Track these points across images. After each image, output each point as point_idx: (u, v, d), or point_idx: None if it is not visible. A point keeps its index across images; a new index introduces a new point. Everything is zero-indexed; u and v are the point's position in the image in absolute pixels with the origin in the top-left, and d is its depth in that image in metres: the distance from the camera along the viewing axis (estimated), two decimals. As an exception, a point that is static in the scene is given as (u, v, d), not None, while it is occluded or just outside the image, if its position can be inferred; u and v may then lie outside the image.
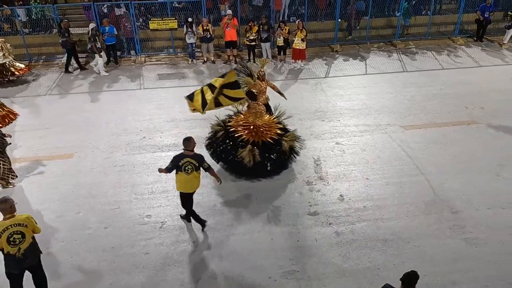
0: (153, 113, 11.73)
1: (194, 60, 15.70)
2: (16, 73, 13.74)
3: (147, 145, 10.16)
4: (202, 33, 14.91)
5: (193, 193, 7.26)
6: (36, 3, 16.49)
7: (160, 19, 15.76)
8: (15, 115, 11.67)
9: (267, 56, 15.61)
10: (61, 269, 6.78)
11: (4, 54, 13.52)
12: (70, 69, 14.87)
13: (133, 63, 15.69)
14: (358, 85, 13.47)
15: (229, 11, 15.24)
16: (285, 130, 9.23)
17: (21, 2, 16.78)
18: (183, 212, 7.68)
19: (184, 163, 6.89)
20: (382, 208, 8.04)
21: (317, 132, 10.66)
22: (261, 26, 15.08)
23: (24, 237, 5.56)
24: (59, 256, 7.03)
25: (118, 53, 15.88)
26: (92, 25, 14.25)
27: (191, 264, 6.86)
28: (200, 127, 10.88)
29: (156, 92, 13.31)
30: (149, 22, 15.73)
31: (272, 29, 15.63)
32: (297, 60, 15.18)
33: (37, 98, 12.84)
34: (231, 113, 9.47)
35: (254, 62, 15.43)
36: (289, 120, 11.08)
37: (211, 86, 7.47)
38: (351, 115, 11.49)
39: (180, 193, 7.26)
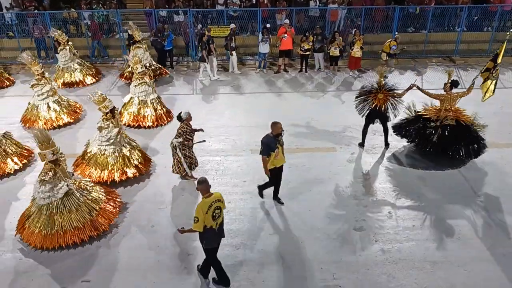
0: (204, 118, 11.90)
1: (264, 69, 15.74)
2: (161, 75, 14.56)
3: (196, 149, 10.29)
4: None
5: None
6: (99, 8, 17.36)
7: (216, 26, 16.11)
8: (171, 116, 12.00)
9: (320, 66, 15.55)
10: (104, 264, 7.04)
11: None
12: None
13: (186, 69, 16.11)
14: (414, 100, 13.05)
15: (287, 20, 15.32)
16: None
17: (88, 6, 17.71)
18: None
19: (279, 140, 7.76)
20: (433, 229, 7.73)
21: (369, 146, 10.44)
22: (315, 36, 15.06)
23: (221, 211, 6.04)
24: (106, 251, 7.31)
25: (175, 58, 16.38)
26: (232, 25, 15.06)
27: (233, 268, 6.87)
28: (247, 133, 10.98)
29: (208, 97, 13.57)
30: (205, 29, 16.09)
31: (326, 40, 15.57)
32: (352, 69, 15.04)
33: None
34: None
35: (306, 72, 15.42)
36: (340, 132, 11.04)
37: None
38: (404, 131, 11.16)
39: (273, 169, 7.88)
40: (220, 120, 11.84)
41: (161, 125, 11.53)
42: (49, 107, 11.42)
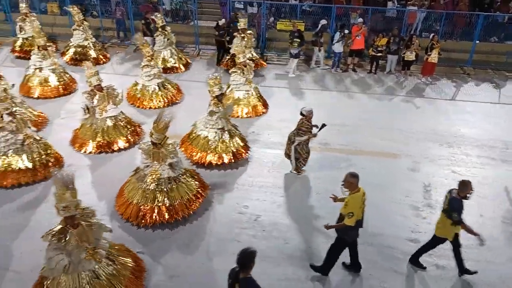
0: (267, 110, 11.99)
1: (337, 69, 15.35)
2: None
3: (255, 140, 10.41)
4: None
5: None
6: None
7: (288, 20, 16.04)
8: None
9: (391, 69, 15.05)
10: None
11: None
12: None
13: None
14: (488, 113, 12.32)
15: (360, 19, 14.94)
16: None
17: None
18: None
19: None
20: (493, 250, 7.28)
21: (433, 156, 10.00)
22: (392, 38, 14.55)
23: (364, 205, 6.23)
24: (163, 234, 7.50)
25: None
26: (323, 21, 14.95)
27: (279, 260, 6.91)
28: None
29: (271, 91, 13.54)
30: (277, 22, 16.09)
31: (402, 42, 15.01)
32: (425, 75, 14.43)
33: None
34: None
35: (375, 73, 14.97)
36: (403, 139, 10.67)
37: None
38: (474, 145, 10.58)
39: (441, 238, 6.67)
40: (282, 114, 11.78)
41: (256, 116, 11.63)
42: (159, 88, 11.91)
